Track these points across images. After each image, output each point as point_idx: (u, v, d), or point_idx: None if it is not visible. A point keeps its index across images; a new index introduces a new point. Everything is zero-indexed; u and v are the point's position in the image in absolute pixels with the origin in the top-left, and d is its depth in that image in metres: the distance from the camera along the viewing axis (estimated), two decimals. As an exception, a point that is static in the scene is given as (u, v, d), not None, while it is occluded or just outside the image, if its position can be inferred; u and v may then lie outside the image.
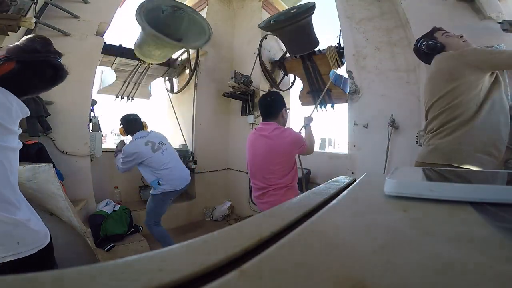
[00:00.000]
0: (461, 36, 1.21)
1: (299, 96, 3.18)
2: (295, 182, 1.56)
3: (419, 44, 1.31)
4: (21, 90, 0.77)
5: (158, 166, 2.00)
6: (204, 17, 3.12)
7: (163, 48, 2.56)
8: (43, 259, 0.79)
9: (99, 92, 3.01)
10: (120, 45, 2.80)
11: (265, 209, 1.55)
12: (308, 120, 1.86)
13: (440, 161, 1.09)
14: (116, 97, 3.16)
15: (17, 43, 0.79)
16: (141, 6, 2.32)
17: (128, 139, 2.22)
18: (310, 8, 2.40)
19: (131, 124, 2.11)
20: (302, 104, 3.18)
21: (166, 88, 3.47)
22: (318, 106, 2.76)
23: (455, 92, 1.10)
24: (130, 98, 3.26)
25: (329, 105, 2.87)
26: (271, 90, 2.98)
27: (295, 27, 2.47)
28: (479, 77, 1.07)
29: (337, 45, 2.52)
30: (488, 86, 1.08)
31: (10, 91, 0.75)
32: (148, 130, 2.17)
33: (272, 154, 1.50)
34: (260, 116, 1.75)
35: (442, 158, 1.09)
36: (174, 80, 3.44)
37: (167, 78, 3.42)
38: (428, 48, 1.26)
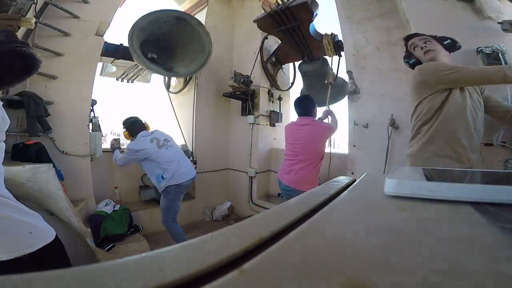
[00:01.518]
0: (422, 48, 1.25)
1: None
2: (320, 165, 2.02)
3: (404, 61, 1.41)
4: None
5: (164, 161, 2.08)
6: (204, 17, 3.13)
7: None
8: (51, 255, 0.80)
9: (101, 75, 3.03)
10: (121, 44, 2.70)
11: (293, 180, 1.90)
12: (325, 114, 2.27)
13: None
14: (116, 79, 3.20)
15: None
16: (136, 24, 2.22)
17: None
18: None
19: (134, 125, 2.19)
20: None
21: (164, 83, 3.42)
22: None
23: (418, 108, 1.22)
24: (130, 81, 3.31)
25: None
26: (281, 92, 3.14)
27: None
28: (436, 91, 1.17)
29: (332, 33, 2.51)
30: (443, 96, 1.16)
31: None
32: (150, 130, 2.26)
33: (313, 135, 1.96)
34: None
35: (412, 164, 1.22)
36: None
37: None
38: (409, 65, 1.37)
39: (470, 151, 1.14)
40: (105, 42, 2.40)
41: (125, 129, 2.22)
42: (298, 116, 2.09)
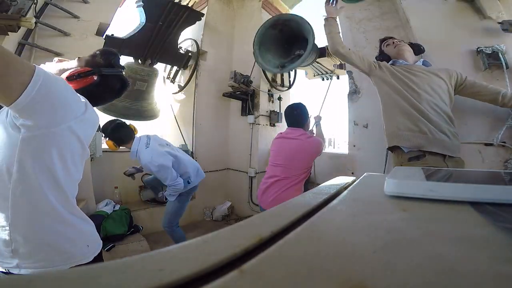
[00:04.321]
0: (393, 43, 1.50)
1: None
2: (302, 183, 1.77)
3: (375, 59, 1.58)
4: (93, 101, 0.80)
5: (184, 164, 1.94)
6: (204, 17, 3.13)
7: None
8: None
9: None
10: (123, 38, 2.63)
11: (269, 203, 1.67)
12: (318, 119, 2.24)
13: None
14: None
15: (91, 55, 0.81)
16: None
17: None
18: None
19: (120, 131, 1.74)
20: None
21: (163, 76, 3.34)
22: None
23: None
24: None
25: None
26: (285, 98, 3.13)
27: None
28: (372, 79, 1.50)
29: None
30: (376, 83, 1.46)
31: None
32: (138, 135, 1.89)
33: (298, 152, 1.74)
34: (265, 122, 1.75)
35: (389, 142, 1.34)
36: (178, 73, 3.34)
37: (169, 67, 3.31)
38: (382, 60, 1.51)
39: (430, 126, 1.20)
40: (107, 35, 2.37)
41: (107, 138, 1.72)
42: (288, 126, 1.89)
